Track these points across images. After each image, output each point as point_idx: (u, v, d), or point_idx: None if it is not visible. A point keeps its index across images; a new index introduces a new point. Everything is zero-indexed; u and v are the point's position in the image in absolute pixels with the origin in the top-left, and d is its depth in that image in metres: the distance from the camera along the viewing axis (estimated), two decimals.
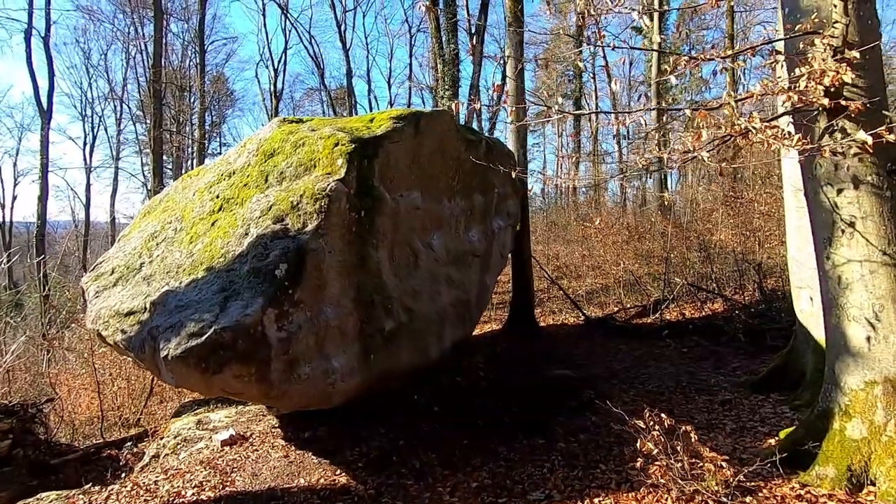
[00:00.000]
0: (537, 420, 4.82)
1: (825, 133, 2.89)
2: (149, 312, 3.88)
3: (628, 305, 11.38)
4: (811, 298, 4.49)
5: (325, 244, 3.97)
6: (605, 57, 30.78)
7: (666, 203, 11.56)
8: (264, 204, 4.22)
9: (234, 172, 4.86)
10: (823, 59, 2.73)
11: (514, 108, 7.62)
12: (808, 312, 4.57)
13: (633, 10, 3.66)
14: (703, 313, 9.27)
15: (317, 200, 4.02)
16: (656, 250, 13.37)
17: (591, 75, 30.80)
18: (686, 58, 2.77)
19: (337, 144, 4.38)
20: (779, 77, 3.40)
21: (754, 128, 2.54)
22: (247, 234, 4.03)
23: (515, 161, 8.61)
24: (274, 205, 4.15)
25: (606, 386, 5.73)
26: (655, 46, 17.26)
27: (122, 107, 27.96)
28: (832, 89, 2.74)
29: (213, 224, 4.43)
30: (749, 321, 6.84)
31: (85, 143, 27.77)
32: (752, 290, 8.79)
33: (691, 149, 3.06)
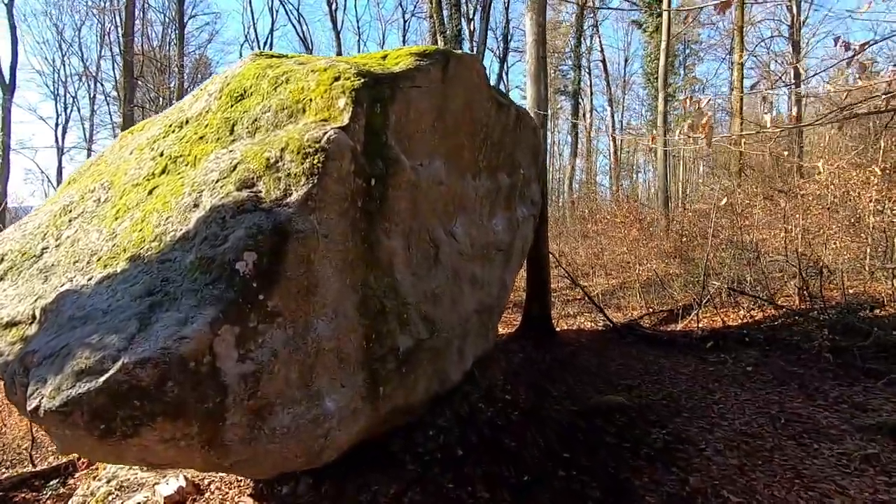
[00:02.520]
0: (607, 477, 3.49)
1: None
2: (38, 324, 2.45)
3: (652, 309, 10.17)
4: None
5: (318, 223, 2.57)
6: (602, 51, 29.97)
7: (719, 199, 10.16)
8: (226, 163, 2.79)
9: (186, 122, 3.41)
10: None
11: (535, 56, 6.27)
12: None
13: None
14: (748, 321, 8.05)
15: (307, 157, 2.61)
16: (673, 249, 12.19)
17: (587, 70, 30.22)
18: None
19: (338, 79, 2.96)
20: None
21: None
22: (196, 205, 2.61)
23: (541, 139, 7.27)
24: (240, 163, 2.72)
25: (678, 421, 4.42)
26: (665, 18, 15.81)
27: (96, 86, 26.10)
28: None
29: (150, 192, 2.98)
30: (832, 336, 5.60)
31: (57, 124, 26.13)
32: (810, 296, 7.56)
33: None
